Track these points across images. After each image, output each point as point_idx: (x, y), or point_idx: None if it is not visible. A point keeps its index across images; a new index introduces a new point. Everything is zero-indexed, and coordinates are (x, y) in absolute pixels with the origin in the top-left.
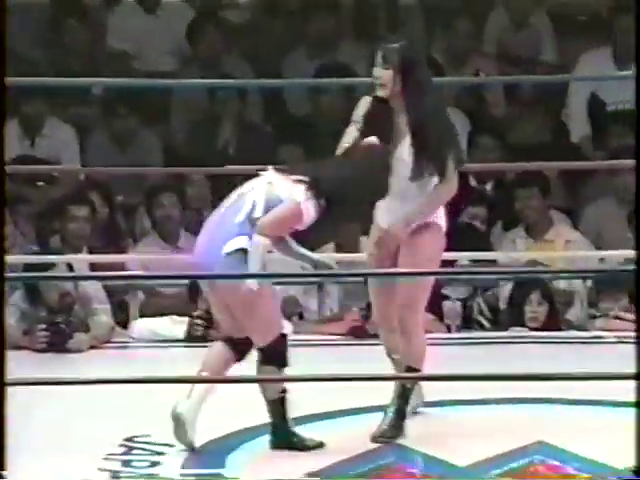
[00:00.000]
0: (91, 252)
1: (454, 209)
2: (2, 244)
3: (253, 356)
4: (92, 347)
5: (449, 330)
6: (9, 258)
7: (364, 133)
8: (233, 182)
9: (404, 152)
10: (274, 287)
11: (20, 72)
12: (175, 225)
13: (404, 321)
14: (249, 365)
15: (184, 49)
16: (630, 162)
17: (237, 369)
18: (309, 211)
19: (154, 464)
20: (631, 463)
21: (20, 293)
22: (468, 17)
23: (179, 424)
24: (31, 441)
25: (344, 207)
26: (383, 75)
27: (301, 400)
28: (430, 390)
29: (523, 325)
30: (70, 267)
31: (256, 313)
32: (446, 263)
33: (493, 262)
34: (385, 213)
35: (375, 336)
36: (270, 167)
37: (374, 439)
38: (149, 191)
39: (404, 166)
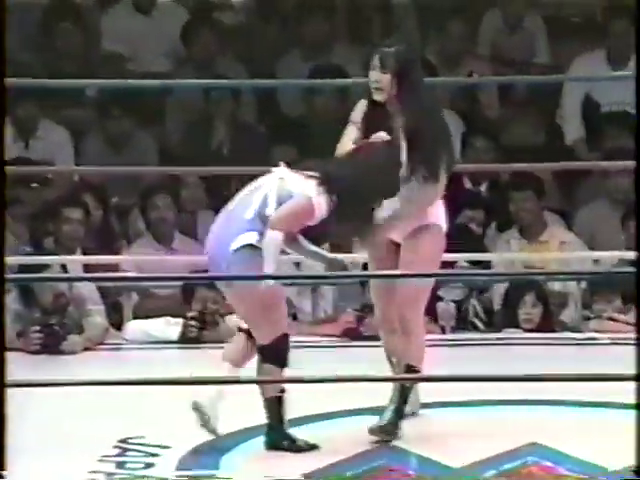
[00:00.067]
0: (85, 253)
1: (450, 211)
2: (2, 246)
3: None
4: (86, 349)
5: (443, 331)
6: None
7: (364, 134)
8: (227, 183)
9: (402, 154)
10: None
11: (14, 74)
12: (169, 227)
13: (405, 320)
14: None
15: (178, 51)
16: (624, 163)
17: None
18: (321, 206)
19: (148, 465)
20: (624, 464)
21: (14, 294)
22: (462, 19)
23: (199, 412)
24: (25, 442)
25: (356, 203)
26: (381, 79)
27: (295, 401)
28: (424, 391)
29: (517, 326)
30: (64, 268)
31: (266, 310)
32: (445, 265)
33: (488, 263)
34: (383, 213)
35: (369, 338)
36: (282, 163)
37: (372, 432)
38: (144, 192)
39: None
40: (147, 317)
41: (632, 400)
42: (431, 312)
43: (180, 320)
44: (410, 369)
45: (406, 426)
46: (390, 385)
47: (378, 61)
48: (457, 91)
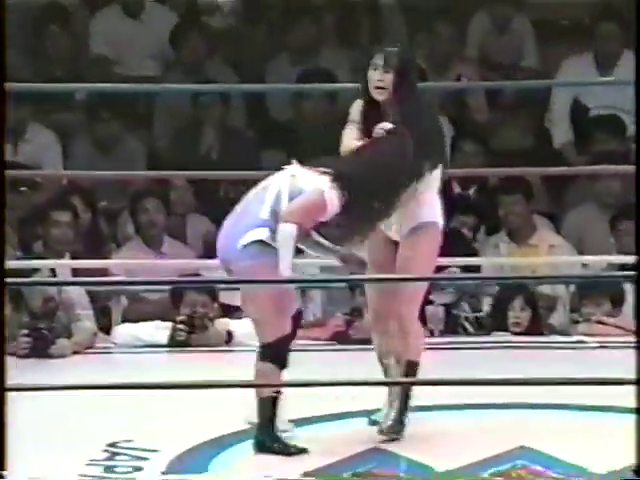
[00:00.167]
0: (74, 257)
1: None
2: (2, 249)
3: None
4: (75, 352)
5: (432, 335)
6: None
7: (364, 133)
8: (216, 187)
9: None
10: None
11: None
12: (159, 230)
13: (402, 320)
14: (245, 371)
15: (167, 54)
16: (614, 167)
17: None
18: (333, 201)
19: (136, 469)
20: (614, 466)
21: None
22: (450, 22)
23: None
24: (13, 446)
25: (369, 199)
26: (384, 78)
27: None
28: (413, 395)
29: (506, 330)
30: (53, 272)
31: (275, 309)
32: (436, 269)
33: (478, 267)
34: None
35: (358, 341)
36: (294, 161)
37: (381, 432)
38: (133, 196)
39: None
40: (136, 321)
41: (623, 403)
42: (420, 315)
43: (169, 324)
44: (411, 365)
45: None
46: (383, 388)
47: (382, 60)
48: (446, 95)
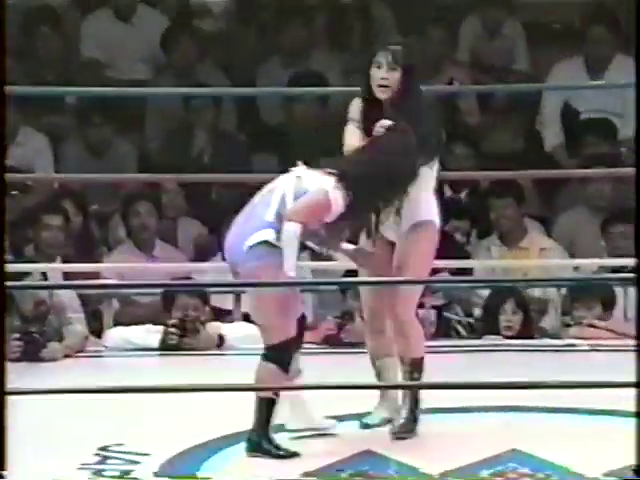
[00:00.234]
0: (65, 261)
1: None
2: (2, 253)
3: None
4: (66, 356)
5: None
6: None
7: (365, 133)
8: (207, 191)
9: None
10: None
11: None
12: (150, 234)
13: (400, 322)
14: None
15: (158, 57)
16: (605, 170)
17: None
18: (337, 200)
19: (127, 473)
20: (606, 469)
21: None
22: (441, 25)
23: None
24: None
25: (374, 198)
26: (389, 76)
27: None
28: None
29: (498, 333)
30: (44, 276)
31: (279, 311)
32: (431, 272)
33: (470, 270)
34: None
35: (349, 345)
36: (299, 162)
37: (394, 433)
38: (125, 199)
39: None
40: (128, 324)
41: (616, 407)
42: None
43: (161, 328)
44: (415, 362)
45: (386, 433)
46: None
47: (386, 58)
48: (437, 98)
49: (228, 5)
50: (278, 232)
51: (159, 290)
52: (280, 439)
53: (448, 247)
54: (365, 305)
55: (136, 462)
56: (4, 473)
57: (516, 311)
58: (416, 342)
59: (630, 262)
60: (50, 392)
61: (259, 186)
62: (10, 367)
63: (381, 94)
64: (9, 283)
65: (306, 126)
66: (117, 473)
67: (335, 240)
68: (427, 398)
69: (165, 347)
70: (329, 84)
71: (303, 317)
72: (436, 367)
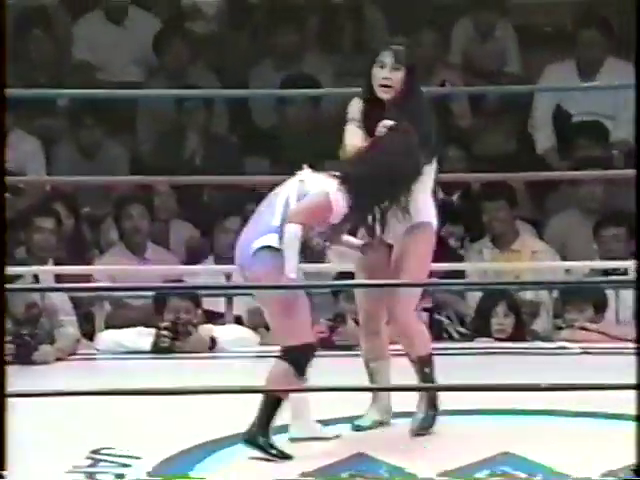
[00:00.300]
0: (57, 263)
1: None
2: (3, 256)
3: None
4: (58, 359)
5: (395, 342)
6: None
7: (367, 133)
8: (199, 193)
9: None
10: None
11: None
12: (143, 236)
13: (398, 320)
14: (228, 377)
15: (150, 60)
16: (597, 173)
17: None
18: (338, 203)
19: (119, 476)
20: (597, 472)
21: None
22: (433, 28)
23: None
24: None
25: (377, 199)
26: (392, 76)
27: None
28: (396, 401)
29: (489, 336)
30: (36, 279)
31: (287, 314)
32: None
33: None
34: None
35: (342, 347)
36: (305, 166)
37: (413, 432)
38: (117, 202)
39: None
40: (120, 327)
41: (610, 410)
42: None
43: (152, 330)
44: (423, 359)
45: (378, 435)
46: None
47: (390, 58)
48: (429, 100)
49: (220, 7)
50: (282, 236)
51: (151, 293)
52: (280, 440)
53: (442, 252)
54: (360, 307)
55: (128, 465)
56: (4, 473)
57: (508, 314)
58: (419, 341)
59: (622, 264)
60: (50, 395)
61: (252, 189)
62: None
63: (383, 94)
64: (19, 286)
65: (298, 129)
66: (110, 477)
67: (337, 235)
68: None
69: (157, 350)
70: (321, 86)
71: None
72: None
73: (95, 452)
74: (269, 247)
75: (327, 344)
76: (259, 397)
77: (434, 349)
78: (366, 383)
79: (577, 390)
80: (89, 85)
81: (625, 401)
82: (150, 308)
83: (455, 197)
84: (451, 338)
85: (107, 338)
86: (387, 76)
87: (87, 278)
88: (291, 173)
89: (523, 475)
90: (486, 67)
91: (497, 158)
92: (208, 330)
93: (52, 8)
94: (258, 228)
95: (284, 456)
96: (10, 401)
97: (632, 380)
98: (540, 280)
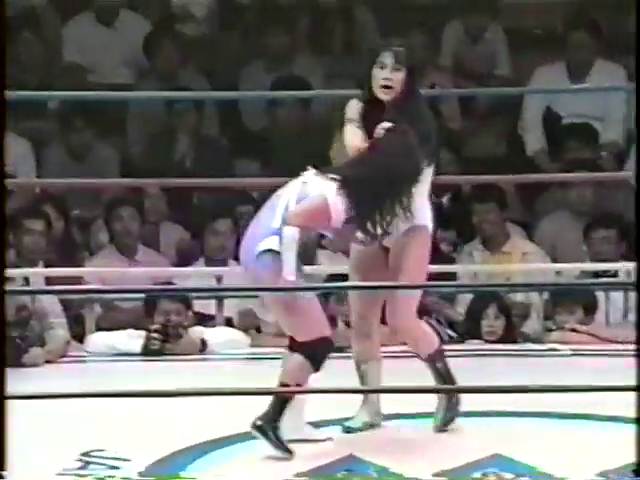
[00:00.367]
0: (47, 266)
1: None
2: (3, 258)
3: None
4: (48, 361)
5: (405, 342)
6: None
7: (366, 134)
8: (189, 195)
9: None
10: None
11: None
12: (133, 238)
13: (403, 331)
14: (219, 379)
15: (141, 62)
16: (586, 175)
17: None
18: (337, 207)
19: (110, 478)
20: (588, 475)
21: None
22: (424, 30)
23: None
24: None
25: (376, 203)
26: (394, 77)
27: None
28: (385, 403)
29: (480, 338)
30: (27, 281)
31: (295, 309)
32: None
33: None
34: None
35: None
36: (309, 167)
37: (437, 428)
38: (108, 204)
39: None
40: (110, 329)
41: (599, 412)
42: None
43: (143, 333)
44: (431, 357)
45: (367, 438)
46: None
47: (390, 59)
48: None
49: (211, 9)
50: (282, 239)
51: (141, 295)
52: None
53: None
54: (353, 309)
55: (118, 467)
56: (4, 473)
57: (498, 316)
58: (423, 341)
59: (612, 266)
60: (50, 397)
61: (242, 191)
62: None
63: (384, 95)
64: (19, 288)
65: (288, 131)
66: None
67: (345, 241)
68: (409, 403)
69: (147, 352)
70: (312, 88)
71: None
72: (419, 371)
73: (85, 454)
74: (270, 251)
75: None
76: (251, 398)
77: None
78: (356, 385)
79: (577, 392)
80: (79, 87)
81: (615, 404)
82: (140, 310)
83: (445, 199)
84: (442, 340)
85: (97, 340)
86: (388, 77)
87: (77, 280)
88: (281, 175)
89: (511, 476)
90: (476, 69)
91: (487, 160)
92: (198, 332)
93: (42, 10)
94: (260, 230)
95: (288, 452)
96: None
97: (625, 381)
98: (531, 282)
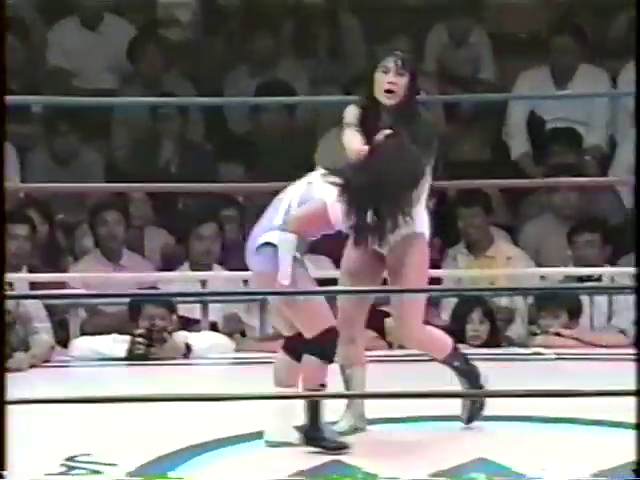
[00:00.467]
0: (31, 270)
1: None
2: (3, 262)
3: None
4: (32, 366)
5: (390, 347)
6: None
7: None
8: (174, 200)
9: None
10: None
11: None
12: (118, 243)
13: (408, 337)
14: (203, 383)
15: (125, 67)
16: (570, 179)
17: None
18: (335, 212)
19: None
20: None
21: None
22: (408, 35)
23: (276, 443)
24: None
25: (377, 208)
26: (398, 82)
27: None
28: (370, 407)
29: (464, 342)
30: (11, 286)
31: (298, 305)
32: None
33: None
34: None
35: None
36: (318, 167)
37: (467, 421)
38: (92, 208)
39: None
40: (94, 334)
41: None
42: (378, 327)
43: (127, 337)
44: (446, 359)
45: (353, 442)
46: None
47: (394, 64)
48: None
49: (195, 14)
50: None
51: (126, 300)
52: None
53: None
54: (340, 312)
55: (101, 472)
56: (4, 473)
57: (483, 320)
58: (436, 347)
59: (596, 271)
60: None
61: (227, 195)
62: None
63: (387, 100)
64: (19, 293)
65: (273, 135)
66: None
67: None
68: (394, 408)
69: (132, 357)
70: (296, 93)
71: None
72: (404, 376)
73: (70, 459)
74: (269, 244)
75: None
76: (236, 403)
77: (410, 355)
78: (340, 389)
79: (574, 397)
80: (64, 92)
81: (599, 408)
82: (125, 315)
83: (430, 204)
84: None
85: (82, 345)
86: (392, 80)
87: (62, 285)
88: (266, 179)
89: None
90: (460, 74)
91: (472, 165)
92: (183, 337)
93: (27, 14)
94: (262, 226)
95: (343, 447)
96: None
97: (609, 385)
98: (516, 286)
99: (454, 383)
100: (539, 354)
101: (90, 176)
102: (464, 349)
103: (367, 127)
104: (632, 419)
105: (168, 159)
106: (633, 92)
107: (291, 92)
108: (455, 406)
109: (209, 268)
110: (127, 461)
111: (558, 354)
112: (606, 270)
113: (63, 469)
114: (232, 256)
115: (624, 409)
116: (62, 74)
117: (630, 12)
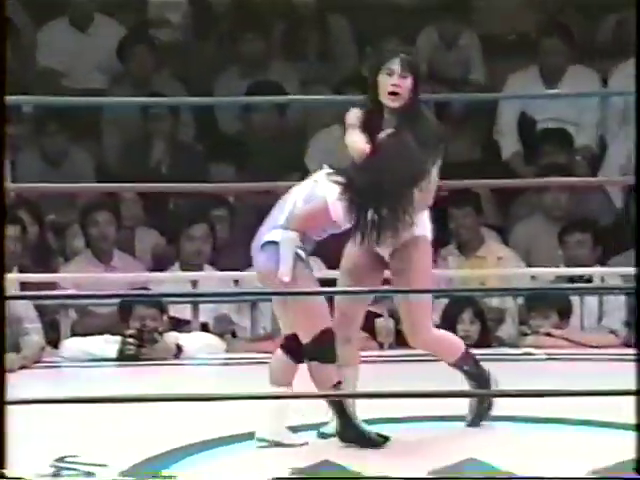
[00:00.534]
0: (22, 271)
1: None
2: (2, 262)
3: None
4: (22, 367)
5: (381, 347)
6: None
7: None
8: (165, 200)
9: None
10: (317, 282)
11: None
12: (109, 243)
13: (419, 342)
14: (194, 384)
15: (115, 67)
16: (560, 179)
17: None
18: (337, 211)
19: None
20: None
21: None
22: (398, 37)
23: (267, 442)
24: None
25: (378, 208)
26: (402, 84)
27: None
28: (361, 408)
29: None
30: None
31: (297, 307)
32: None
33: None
34: None
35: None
36: (325, 165)
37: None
38: (83, 209)
39: None
40: (85, 335)
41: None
42: (369, 328)
43: (118, 338)
44: (457, 363)
45: (342, 443)
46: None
47: (399, 66)
48: None
49: (186, 15)
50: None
51: (117, 300)
52: (245, 447)
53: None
54: (337, 312)
55: (92, 474)
56: (4, 472)
57: (474, 320)
58: (447, 350)
59: (587, 271)
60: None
61: (218, 196)
62: None
63: (391, 102)
64: (19, 293)
65: (264, 136)
66: None
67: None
68: (385, 408)
69: (123, 357)
70: (287, 94)
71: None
72: (395, 376)
73: (59, 460)
74: (272, 243)
75: None
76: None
77: (401, 355)
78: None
79: (574, 397)
80: (54, 92)
81: (589, 408)
82: (116, 315)
83: None
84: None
85: (72, 346)
86: (396, 83)
87: (52, 286)
88: (257, 179)
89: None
90: (451, 75)
91: (463, 165)
92: (174, 337)
93: (16, 14)
94: (267, 225)
95: (384, 440)
96: None
97: (600, 385)
98: (506, 287)
99: (445, 384)
100: (530, 354)
101: (81, 176)
102: None
103: (369, 129)
104: (621, 419)
105: (159, 159)
106: (623, 92)
107: (282, 93)
108: (444, 406)
109: (200, 268)
110: (118, 462)
111: (549, 354)
112: (597, 270)
113: (52, 470)
114: (223, 256)
115: (614, 409)
116: (52, 74)
117: (619, 13)
